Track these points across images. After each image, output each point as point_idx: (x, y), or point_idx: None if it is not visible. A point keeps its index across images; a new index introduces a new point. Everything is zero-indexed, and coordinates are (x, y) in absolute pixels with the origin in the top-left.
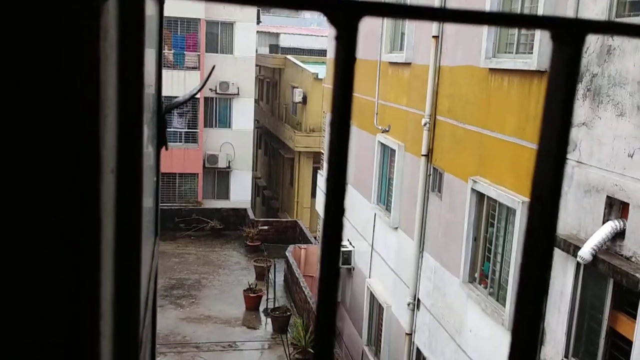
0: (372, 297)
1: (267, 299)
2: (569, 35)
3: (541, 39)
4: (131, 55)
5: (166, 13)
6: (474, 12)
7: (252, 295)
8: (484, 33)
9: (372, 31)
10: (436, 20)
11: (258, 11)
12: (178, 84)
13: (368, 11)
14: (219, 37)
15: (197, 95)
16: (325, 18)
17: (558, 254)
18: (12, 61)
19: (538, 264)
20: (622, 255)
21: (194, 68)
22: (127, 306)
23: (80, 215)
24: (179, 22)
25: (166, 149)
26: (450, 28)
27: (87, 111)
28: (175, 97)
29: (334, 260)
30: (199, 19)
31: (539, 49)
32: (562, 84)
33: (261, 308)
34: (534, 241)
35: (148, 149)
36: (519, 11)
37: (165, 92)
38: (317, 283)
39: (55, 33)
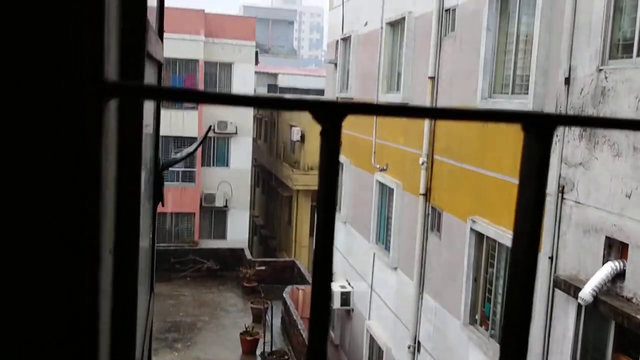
0: (372, 340)
1: (264, 342)
2: (539, 128)
3: (536, 80)
4: (130, 146)
5: (165, 54)
6: (449, 109)
7: (248, 338)
8: (480, 73)
9: (369, 71)
10: (414, 117)
11: (256, 52)
12: (176, 123)
13: (350, 111)
14: (217, 78)
15: (195, 135)
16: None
17: (559, 295)
18: (20, 152)
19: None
20: (622, 296)
21: (192, 108)
22: None
23: (79, 299)
24: (177, 63)
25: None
26: (446, 69)
27: (87, 203)
28: (174, 136)
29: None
30: (198, 60)
31: (535, 90)
32: (535, 171)
33: (258, 352)
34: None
35: (145, 207)
36: (513, 57)
37: (163, 132)
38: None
39: (60, 130)
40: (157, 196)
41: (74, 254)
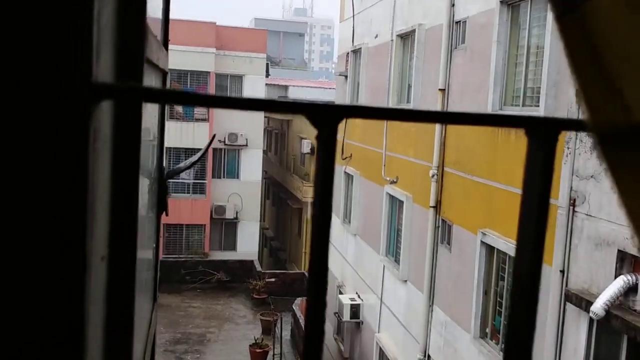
0: (382, 353)
1: (273, 355)
2: (542, 132)
3: (547, 92)
4: (126, 150)
5: (176, 66)
6: (451, 113)
7: (258, 350)
8: (490, 85)
9: (379, 83)
10: (415, 121)
11: (267, 64)
12: (187, 135)
13: (346, 114)
14: (228, 90)
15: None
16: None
17: (570, 309)
18: (3, 158)
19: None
20: (635, 310)
21: (203, 120)
22: None
23: (64, 303)
24: (188, 75)
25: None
26: (457, 81)
27: (73, 210)
28: (185, 148)
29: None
30: (209, 72)
31: (546, 102)
32: (538, 177)
33: None
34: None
35: (148, 216)
36: (523, 69)
37: (174, 143)
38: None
39: (44, 135)
40: (161, 206)
41: (57, 256)
